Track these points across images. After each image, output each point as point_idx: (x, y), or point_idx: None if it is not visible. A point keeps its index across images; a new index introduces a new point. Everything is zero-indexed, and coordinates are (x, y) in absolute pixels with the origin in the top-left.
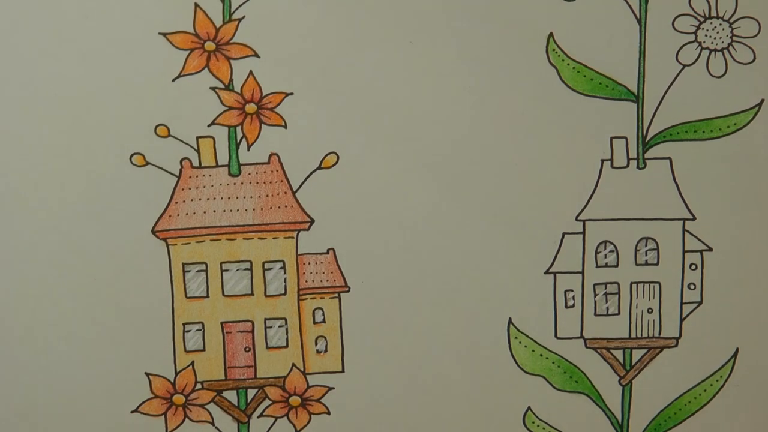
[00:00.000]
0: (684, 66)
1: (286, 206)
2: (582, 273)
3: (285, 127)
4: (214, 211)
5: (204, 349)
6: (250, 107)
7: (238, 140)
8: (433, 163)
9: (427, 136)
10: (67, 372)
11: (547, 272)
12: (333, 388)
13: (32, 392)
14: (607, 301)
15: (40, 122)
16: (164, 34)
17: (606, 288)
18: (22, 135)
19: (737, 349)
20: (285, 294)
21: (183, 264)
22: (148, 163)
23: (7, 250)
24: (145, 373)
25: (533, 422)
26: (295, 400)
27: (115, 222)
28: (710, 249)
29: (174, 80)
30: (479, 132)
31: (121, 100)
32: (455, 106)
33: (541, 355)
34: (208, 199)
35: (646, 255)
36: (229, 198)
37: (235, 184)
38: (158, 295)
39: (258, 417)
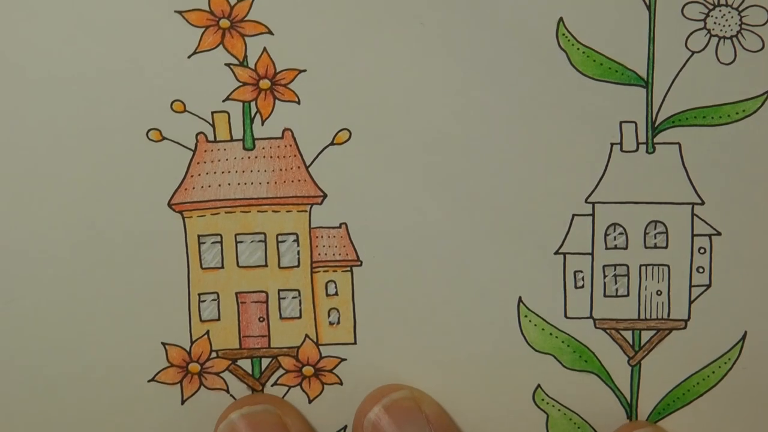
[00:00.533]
0: (693, 53)
1: (299, 180)
2: (591, 254)
3: (298, 103)
4: (229, 185)
5: (219, 319)
6: (264, 83)
7: (253, 115)
8: (444, 143)
9: (438, 116)
10: (85, 343)
11: (556, 253)
12: (345, 359)
13: (50, 363)
14: (616, 283)
15: (56, 100)
16: (180, 12)
17: (615, 270)
18: (38, 113)
19: (745, 332)
20: (298, 266)
21: (198, 236)
22: (164, 138)
23: (24, 226)
24: (162, 342)
25: (543, 399)
26: (308, 370)
27: (132, 196)
28: (719, 233)
29: (189, 57)
30: (490, 114)
31: (137, 77)
32: (467, 87)
33: (550, 334)
34: (222, 172)
35: (655, 238)
36: (243, 171)
37: (249, 158)
38: (174, 266)
39: (272, 386)
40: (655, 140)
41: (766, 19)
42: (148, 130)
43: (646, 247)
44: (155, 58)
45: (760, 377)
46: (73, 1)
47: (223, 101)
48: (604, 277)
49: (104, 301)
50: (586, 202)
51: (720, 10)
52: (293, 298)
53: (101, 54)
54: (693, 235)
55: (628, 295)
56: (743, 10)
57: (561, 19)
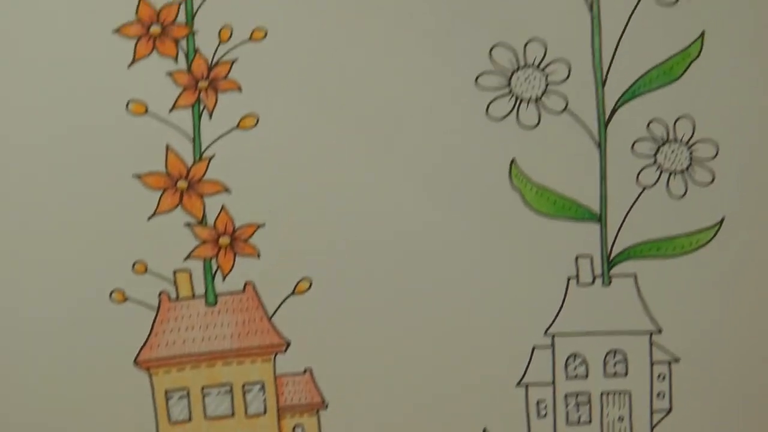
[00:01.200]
0: (645, 187)
1: (262, 331)
2: (553, 384)
3: (258, 257)
4: (194, 340)
5: None
6: (224, 240)
7: (214, 272)
8: (404, 286)
9: (392, 259)
10: None
11: (519, 384)
12: None
13: None
14: (578, 411)
15: (21, 268)
16: (138, 176)
17: (577, 398)
18: (5, 277)
19: None
20: (265, 413)
21: (165, 391)
22: (127, 299)
23: None
24: None
25: None
26: None
27: (98, 356)
28: (677, 360)
29: (149, 219)
30: (448, 254)
31: (99, 240)
32: (424, 230)
33: None
34: (186, 328)
35: (614, 366)
36: (207, 327)
37: (212, 313)
38: (143, 422)
39: None
40: (611, 273)
41: (716, 153)
42: (111, 292)
43: (606, 376)
44: (115, 221)
45: None
46: (33, 165)
47: (185, 260)
48: (567, 405)
49: None
50: (545, 334)
51: (669, 146)
52: None
53: (62, 218)
54: (652, 363)
55: (590, 422)
56: (692, 144)
57: (513, 160)
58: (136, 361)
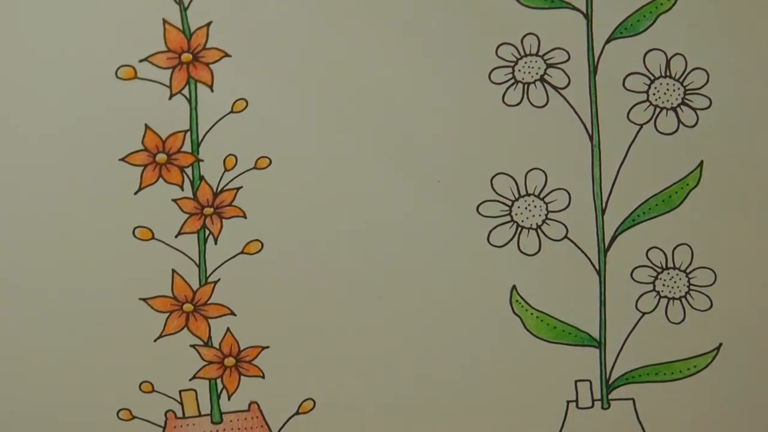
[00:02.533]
0: (643, 313)
1: None
2: None
3: (263, 377)
4: None
5: None
6: (229, 361)
7: (219, 391)
8: (407, 411)
9: (397, 379)
10: None
11: None
12: None
13: None
14: None
15: (32, 385)
16: (144, 300)
17: None
18: (12, 398)
19: None
20: None
21: None
22: (134, 417)
23: None
24: None
25: None
26: None
27: None
28: None
29: (156, 340)
30: (449, 381)
31: (106, 360)
32: (425, 353)
33: None
34: None
35: None
36: None
37: (218, 431)
38: None
39: None
40: (610, 397)
41: (714, 280)
42: (119, 411)
43: None
44: (122, 342)
45: None
46: (41, 299)
47: (190, 380)
48: None
49: None
50: None
51: (668, 273)
52: None
53: (70, 340)
54: None
55: None
56: (691, 272)
57: (514, 286)
58: None
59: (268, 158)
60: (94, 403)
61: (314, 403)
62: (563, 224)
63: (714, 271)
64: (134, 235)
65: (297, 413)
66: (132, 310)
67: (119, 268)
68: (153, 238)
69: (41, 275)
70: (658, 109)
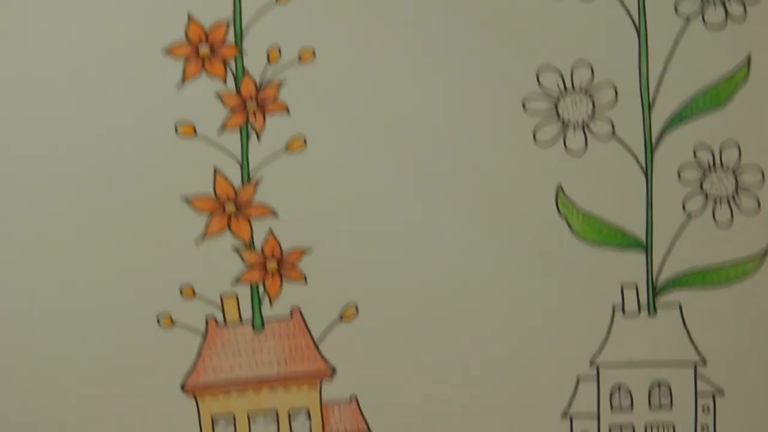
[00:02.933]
0: (690, 215)
1: (309, 358)
2: (597, 416)
3: (305, 282)
4: (240, 366)
5: None
6: (271, 265)
7: (261, 297)
8: (450, 313)
9: (441, 288)
10: None
11: (564, 415)
12: None
13: None
14: None
15: (70, 288)
16: (186, 199)
17: (621, 430)
18: (52, 306)
19: None
20: None
21: (212, 416)
22: (174, 323)
23: (41, 415)
24: None
25: None
26: None
27: (146, 381)
28: (722, 392)
29: (197, 242)
30: (496, 281)
31: (147, 263)
32: (471, 257)
33: None
34: (233, 354)
35: (659, 398)
36: (253, 352)
37: (259, 339)
38: None
39: None
40: (657, 302)
41: (761, 180)
42: (159, 316)
43: (651, 408)
44: (164, 244)
45: None
46: (89, 189)
47: (232, 285)
48: None
49: None
50: (591, 364)
51: (716, 173)
52: None
53: (112, 241)
54: (696, 394)
55: None
56: (738, 171)
57: (560, 187)
58: (183, 387)
59: (312, 50)
60: (134, 308)
61: (357, 309)
62: (610, 121)
63: (762, 171)
64: (176, 132)
65: (340, 320)
66: (173, 210)
67: (160, 165)
68: (195, 134)
69: (81, 170)
70: (706, 2)
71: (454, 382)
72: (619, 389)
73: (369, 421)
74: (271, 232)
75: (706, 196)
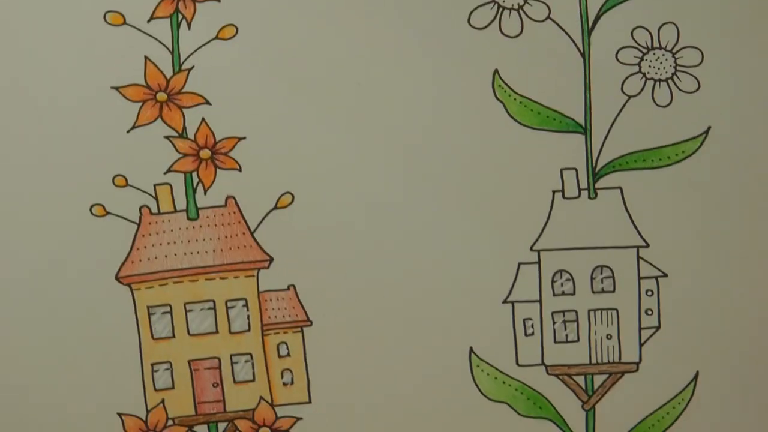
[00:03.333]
0: (629, 97)
1: (245, 246)
2: (540, 301)
3: (240, 170)
4: (175, 255)
5: (173, 387)
6: (205, 153)
7: (195, 185)
8: (386, 201)
9: (377, 173)
10: (42, 417)
11: (505, 301)
12: (301, 419)
13: None
14: (566, 329)
15: (2, 176)
16: (116, 88)
17: (564, 316)
18: None
19: (697, 372)
20: (249, 330)
21: (148, 307)
22: (108, 213)
23: None
24: (118, 413)
25: None
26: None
27: (79, 271)
28: (665, 275)
29: (129, 132)
30: (430, 168)
31: (78, 153)
32: (406, 144)
33: (503, 382)
34: (168, 243)
35: (602, 282)
36: (189, 241)
37: (194, 227)
38: (125, 338)
39: None
40: (597, 185)
41: (701, 60)
42: (92, 206)
43: (593, 292)
44: (94, 134)
45: (714, 416)
46: (12, 80)
47: (165, 173)
48: (554, 323)
49: (58, 375)
50: (531, 250)
51: (654, 53)
52: (246, 362)
53: (40, 131)
54: (639, 278)
55: (578, 340)
56: (677, 52)
57: (496, 71)
58: (117, 277)
59: None
60: (65, 198)
61: (293, 197)
62: (545, 4)
63: (701, 50)
64: (105, 20)
65: (275, 207)
66: (104, 100)
67: (89, 55)
68: (124, 23)
69: (10, 59)
70: None
71: (393, 269)
72: (561, 274)
73: (308, 310)
74: (204, 121)
75: (645, 78)
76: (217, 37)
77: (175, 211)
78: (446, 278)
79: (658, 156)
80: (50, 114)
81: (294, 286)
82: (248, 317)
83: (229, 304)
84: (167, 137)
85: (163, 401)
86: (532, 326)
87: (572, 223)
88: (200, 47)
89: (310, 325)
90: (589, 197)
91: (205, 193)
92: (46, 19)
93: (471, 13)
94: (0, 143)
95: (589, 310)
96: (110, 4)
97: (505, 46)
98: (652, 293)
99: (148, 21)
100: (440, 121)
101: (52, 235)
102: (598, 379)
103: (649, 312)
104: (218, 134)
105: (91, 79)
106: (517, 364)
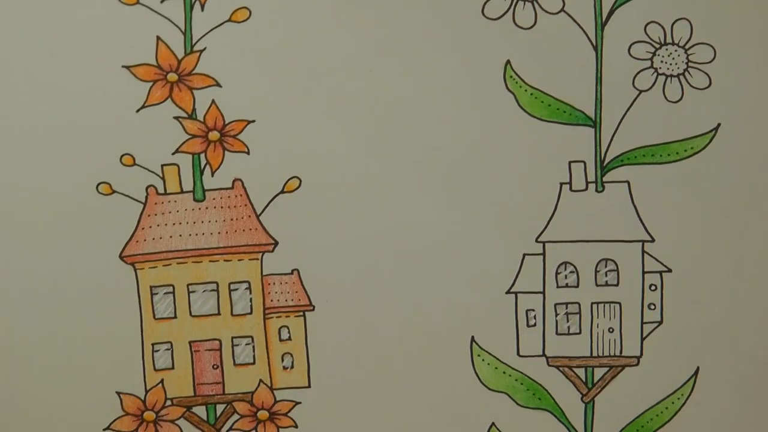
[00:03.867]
0: (640, 91)
1: (250, 229)
2: (543, 293)
3: (248, 153)
4: (180, 236)
5: (173, 368)
6: (213, 135)
7: (202, 167)
8: (393, 187)
9: (385, 161)
10: (41, 393)
11: (508, 292)
12: (300, 403)
13: (4, 413)
14: (568, 321)
15: (7, 155)
16: (127, 67)
17: (567, 308)
18: None
19: (698, 368)
20: (251, 313)
21: (151, 287)
22: (114, 192)
23: None
24: (116, 392)
25: None
26: (263, 415)
27: (84, 248)
28: (669, 270)
29: (138, 111)
30: (439, 156)
31: (86, 131)
32: (415, 132)
33: (504, 372)
34: (173, 224)
35: (606, 276)
36: (194, 222)
37: (200, 209)
38: (127, 317)
39: (227, 431)
40: (605, 179)
41: (713, 57)
42: (98, 184)
43: (597, 285)
44: (104, 112)
45: (713, 412)
46: (22, 59)
47: (173, 154)
48: (556, 315)
49: (58, 352)
50: (536, 241)
51: (666, 49)
52: (246, 344)
53: (50, 108)
54: (644, 273)
55: (580, 332)
56: (689, 48)
57: (508, 62)
58: (121, 256)
59: None
60: (72, 173)
61: (300, 181)
62: None
63: (713, 47)
64: None
65: (282, 191)
66: (114, 78)
67: (101, 33)
68: (138, 2)
69: (24, 40)
70: None
71: (397, 257)
72: (566, 266)
73: (311, 295)
74: (213, 103)
75: (657, 73)
76: (230, 20)
77: (182, 192)
78: (450, 267)
79: (667, 151)
80: (60, 90)
81: (298, 271)
82: (251, 300)
83: (232, 287)
84: (176, 118)
85: (162, 381)
86: (535, 317)
87: (578, 216)
88: (213, 29)
89: (313, 309)
90: (597, 190)
91: (212, 175)
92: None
93: (485, 3)
94: (8, 118)
95: (592, 303)
96: None
97: (518, 37)
98: (656, 288)
99: (162, 1)
100: (450, 110)
101: (58, 211)
102: (599, 372)
103: (652, 306)
104: (227, 117)
105: (103, 58)
106: (518, 354)
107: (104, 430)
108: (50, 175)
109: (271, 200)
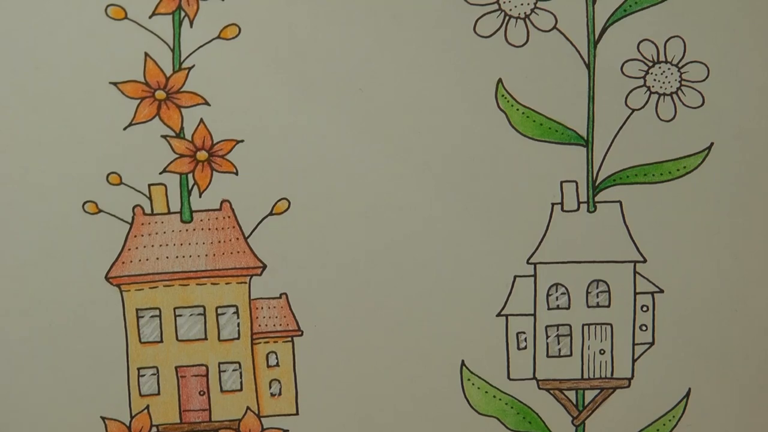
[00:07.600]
0: (633, 110)
1: (238, 252)
2: (534, 315)
3: (236, 173)
4: (167, 258)
5: (159, 393)
6: (201, 154)
7: (190, 187)
8: (384, 208)
9: (377, 181)
10: (24, 417)
11: (499, 315)
12: (287, 431)
13: None
14: (559, 343)
15: None
16: (115, 84)
17: (558, 330)
18: None
19: (689, 390)
20: (238, 338)
21: (137, 310)
22: (100, 211)
23: None
24: (101, 417)
25: None
26: None
27: (69, 269)
28: (661, 291)
29: (125, 129)
30: (430, 175)
31: (73, 148)
32: (405, 152)
33: (494, 396)
34: (160, 245)
35: (597, 297)
36: (181, 244)
37: (187, 230)
38: (113, 340)
39: None
40: (596, 199)
41: (706, 75)
42: (84, 203)
43: (588, 307)
44: (90, 129)
45: None
46: (8, 73)
47: (160, 173)
48: (547, 337)
49: (42, 375)
50: (527, 262)
51: (660, 67)
52: (234, 370)
53: (35, 124)
54: (635, 293)
55: (571, 354)
56: (683, 66)
57: (500, 80)
58: (107, 277)
59: None
60: (57, 191)
61: (289, 203)
62: (552, 13)
63: (706, 66)
64: (106, 14)
65: (271, 213)
66: (101, 95)
67: (88, 48)
68: (126, 17)
69: (8, 53)
70: None
71: (387, 280)
72: (557, 288)
73: (299, 319)
74: (202, 121)
75: (650, 91)
76: (219, 37)
77: (169, 212)
78: (441, 290)
79: (659, 171)
80: (47, 106)
81: (286, 295)
82: (238, 325)
83: (219, 311)
84: (164, 136)
85: (147, 407)
86: (525, 340)
87: (570, 237)
88: (202, 46)
89: (301, 335)
90: (588, 210)
91: (200, 196)
92: (47, 11)
93: (477, 21)
94: None
95: (583, 325)
96: None
97: (510, 55)
98: (648, 309)
99: (150, 17)
100: (441, 129)
101: (43, 230)
102: (590, 394)
103: (644, 328)
104: (216, 136)
105: (90, 73)
106: (509, 378)
107: None
108: (35, 193)
109: (260, 222)
